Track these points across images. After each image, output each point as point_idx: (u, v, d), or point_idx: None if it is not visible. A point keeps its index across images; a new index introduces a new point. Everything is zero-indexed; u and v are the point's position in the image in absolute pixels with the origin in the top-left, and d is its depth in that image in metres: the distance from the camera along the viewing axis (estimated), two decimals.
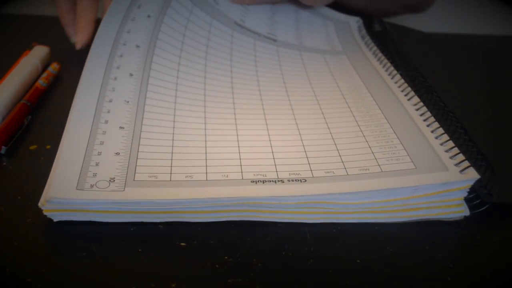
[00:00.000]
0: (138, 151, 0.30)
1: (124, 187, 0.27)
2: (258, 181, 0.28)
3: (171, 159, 0.30)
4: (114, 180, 0.27)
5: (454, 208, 0.28)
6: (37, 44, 0.43)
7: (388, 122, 0.33)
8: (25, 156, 0.32)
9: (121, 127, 0.31)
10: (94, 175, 0.27)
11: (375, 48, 0.44)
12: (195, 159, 0.30)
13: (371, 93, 0.37)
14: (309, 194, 0.27)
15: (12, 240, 0.25)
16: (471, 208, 0.28)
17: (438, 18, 0.61)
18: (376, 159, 0.30)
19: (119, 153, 0.29)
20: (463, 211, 0.28)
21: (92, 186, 0.27)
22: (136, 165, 0.28)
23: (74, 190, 0.26)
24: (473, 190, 0.28)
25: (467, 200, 0.28)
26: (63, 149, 0.29)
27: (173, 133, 0.32)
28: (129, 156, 0.29)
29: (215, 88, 0.38)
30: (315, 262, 0.25)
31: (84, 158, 0.28)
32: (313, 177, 0.28)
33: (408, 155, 0.30)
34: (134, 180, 0.27)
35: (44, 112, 0.37)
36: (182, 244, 0.26)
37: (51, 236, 0.26)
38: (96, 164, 0.28)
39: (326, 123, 0.34)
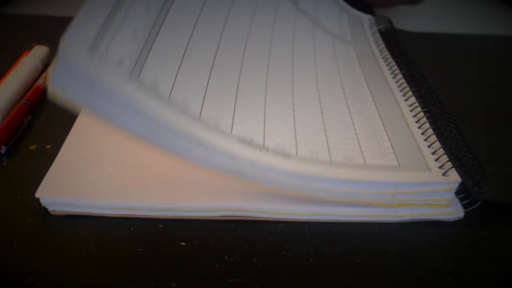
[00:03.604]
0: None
1: (131, 74, 0.25)
2: (244, 142, 0.26)
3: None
4: (123, 63, 0.25)
5: (442, 208, 0.28)
6: (37, 44, 0.42)
7: (380, 118, 0.33)
8: (25, 156, 0.32)
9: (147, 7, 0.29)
10: (106, 48, 0.24)
11: (382, 45, 0.44)
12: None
13: (369, 88, 0.37)
14: (292, 172, 0.26)
15: (12, 240, 0.25)
16: (463, 206, 0.28)
17: (437, 18, 0.61)
18: (361, 152, 0.30)
19: (136, 35, 0.27)
20: (454, 212, 0.28)
21: (102, 56, 0.23)
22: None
23: (86, 53, 0.23)
24: (464, 189, 0.28)
25: (461, 199, 0.28)
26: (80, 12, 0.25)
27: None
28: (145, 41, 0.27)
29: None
30: (315, 262, 0.25)
31: (101, 26, 0.25)
32: (297, 155, 0.28)
33: (394, 152, 0.30)
34: (140, 75, 0.25)
35: (44, 112, 0.37)
36: (182, 244, 0.26)
37: (51, 236, 0.26)
38: (110, 40, 0.25)
39: (320, 105, 0.34)
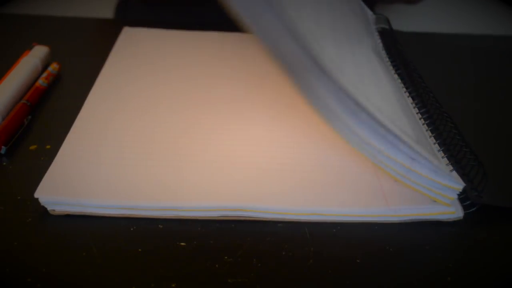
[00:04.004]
0: None
1: None
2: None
3: None
4: None
5: (443, 207, 0.28)
6: (37, 44, 0.42)
7: (395, 96, 0.33)
8: (25, 156, 0.32)
9: None
10: None
11: (380, 45, 0.44)
12: None
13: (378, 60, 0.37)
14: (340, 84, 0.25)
15: (12, 240, 0.25)
16: (463, 208, 0.28)
17: (437, 18, 0.61)
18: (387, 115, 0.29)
19: None
20: (453, 212, 0.28)
21: None
22: None
23: None
24: (463, 191, 0.28)
25: (461, 200, 0.28)
26: None
27: None
28: None
29: None
30: (315, 262, 0.25)
31: None
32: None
33: (412, 130, 0.29)
34: None
35: (44, 112, 0.37)
36: (182, 244, 0.26)
37: (51, 236, 0.26)
38: None
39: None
